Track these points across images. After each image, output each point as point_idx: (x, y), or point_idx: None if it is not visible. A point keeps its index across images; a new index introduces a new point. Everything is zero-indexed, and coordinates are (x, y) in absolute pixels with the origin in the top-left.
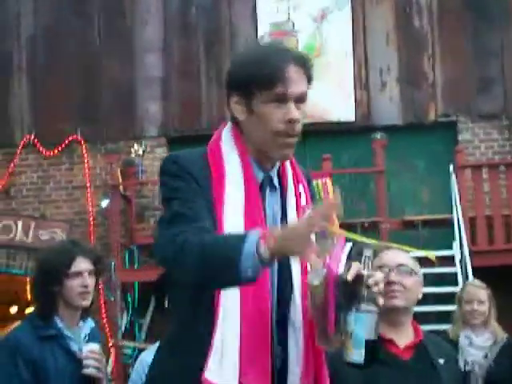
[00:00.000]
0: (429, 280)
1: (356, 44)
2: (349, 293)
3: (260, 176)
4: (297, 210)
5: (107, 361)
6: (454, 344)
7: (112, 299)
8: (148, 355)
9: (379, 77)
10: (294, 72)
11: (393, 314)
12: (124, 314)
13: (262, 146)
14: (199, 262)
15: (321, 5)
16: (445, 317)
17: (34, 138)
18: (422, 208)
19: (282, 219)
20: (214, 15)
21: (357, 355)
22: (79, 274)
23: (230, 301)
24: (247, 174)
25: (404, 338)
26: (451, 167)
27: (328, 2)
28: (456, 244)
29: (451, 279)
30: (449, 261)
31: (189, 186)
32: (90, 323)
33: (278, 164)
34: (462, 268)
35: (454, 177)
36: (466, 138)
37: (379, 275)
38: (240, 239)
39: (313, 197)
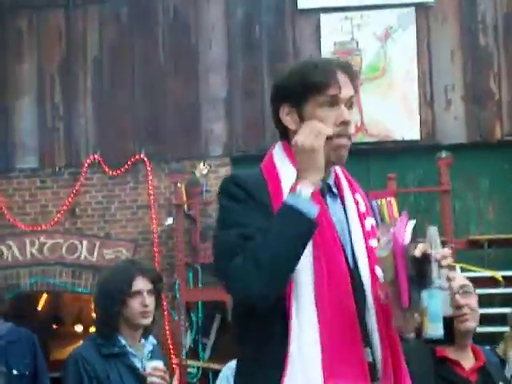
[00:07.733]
0: (495, 300)
1: (421, 62)
2: (418, 271)
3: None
4: (359, 217)
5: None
6: (503, 360)
7: (176, 318)
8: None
9: (444, 95)
10: (342, 77)
11: (462, 336)
12: (188, 333)
13: None
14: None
15: (385, 24)
16: None
17: (99, 158)
18: (487, 227)
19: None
20: (278, 34)
21: (435, 329)
22: (139, 293)
23: (304, 311)
24: None
25: (467, 360)
26: None
27: (392, 21)
28: None
29: None
30: None
31: (245, 206)
32: (151, 340)
33: (332, 173)
34: None
35: None
36: None
37: (447, 250)
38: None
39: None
